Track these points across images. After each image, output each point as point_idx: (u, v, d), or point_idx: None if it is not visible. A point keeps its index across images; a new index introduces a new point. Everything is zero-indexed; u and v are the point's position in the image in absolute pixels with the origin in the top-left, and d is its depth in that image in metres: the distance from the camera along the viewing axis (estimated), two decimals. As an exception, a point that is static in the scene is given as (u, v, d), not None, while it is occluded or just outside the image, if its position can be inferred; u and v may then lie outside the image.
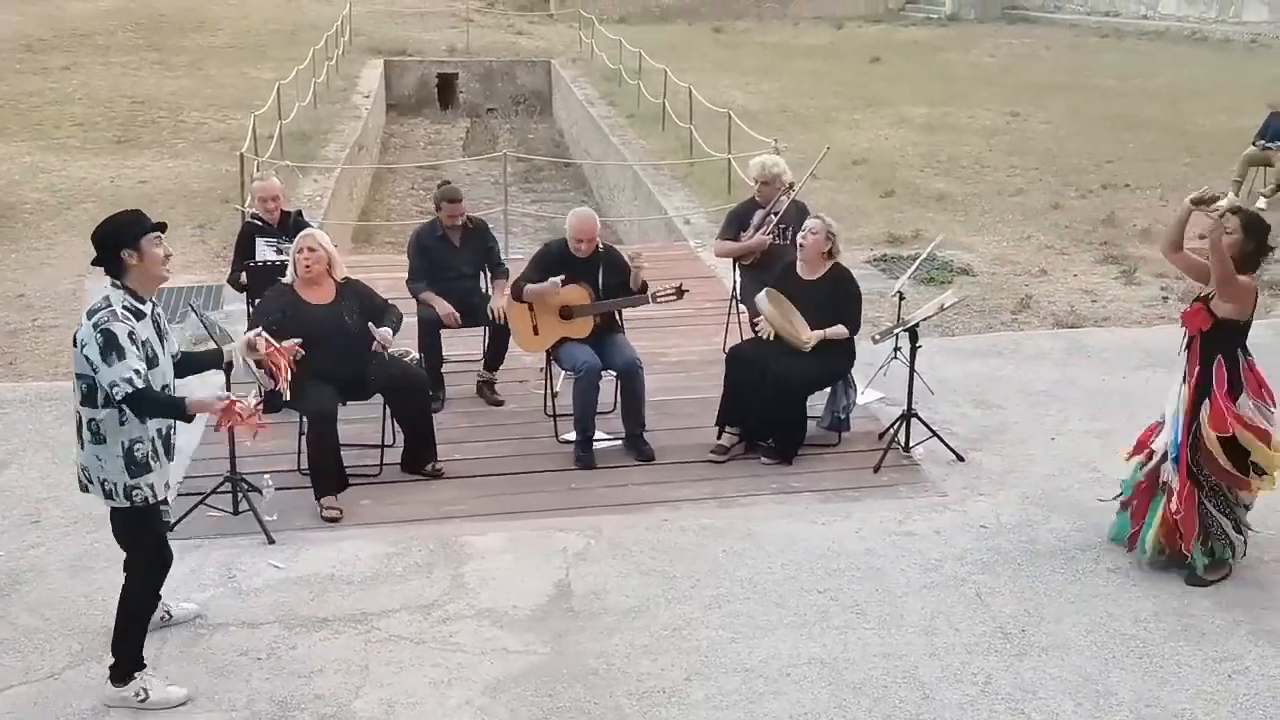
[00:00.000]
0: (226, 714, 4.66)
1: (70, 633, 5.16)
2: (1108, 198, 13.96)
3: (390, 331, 6.48)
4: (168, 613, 5.16)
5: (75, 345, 4.51)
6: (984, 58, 27.34)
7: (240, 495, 6.12)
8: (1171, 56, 26.77)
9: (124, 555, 4.79)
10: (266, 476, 6.28)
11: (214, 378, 5.93)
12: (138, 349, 4.44)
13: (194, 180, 14.51)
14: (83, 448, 4.61)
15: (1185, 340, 5.60)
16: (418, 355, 7.46)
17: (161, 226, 4.61)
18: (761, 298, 6.88)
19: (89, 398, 4.51)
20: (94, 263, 4.62)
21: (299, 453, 6.59)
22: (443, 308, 7.51)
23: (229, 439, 6.04)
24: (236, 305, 8.60)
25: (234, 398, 4.63)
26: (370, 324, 6.42)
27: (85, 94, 20.38)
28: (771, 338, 6.85)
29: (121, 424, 4.52)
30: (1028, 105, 20.20)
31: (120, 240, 4.52)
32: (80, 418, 4.58)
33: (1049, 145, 17.07)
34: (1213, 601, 5.46)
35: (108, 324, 4.40)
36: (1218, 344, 5.45)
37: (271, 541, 5.92)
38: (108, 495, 4.61)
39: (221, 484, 6.12)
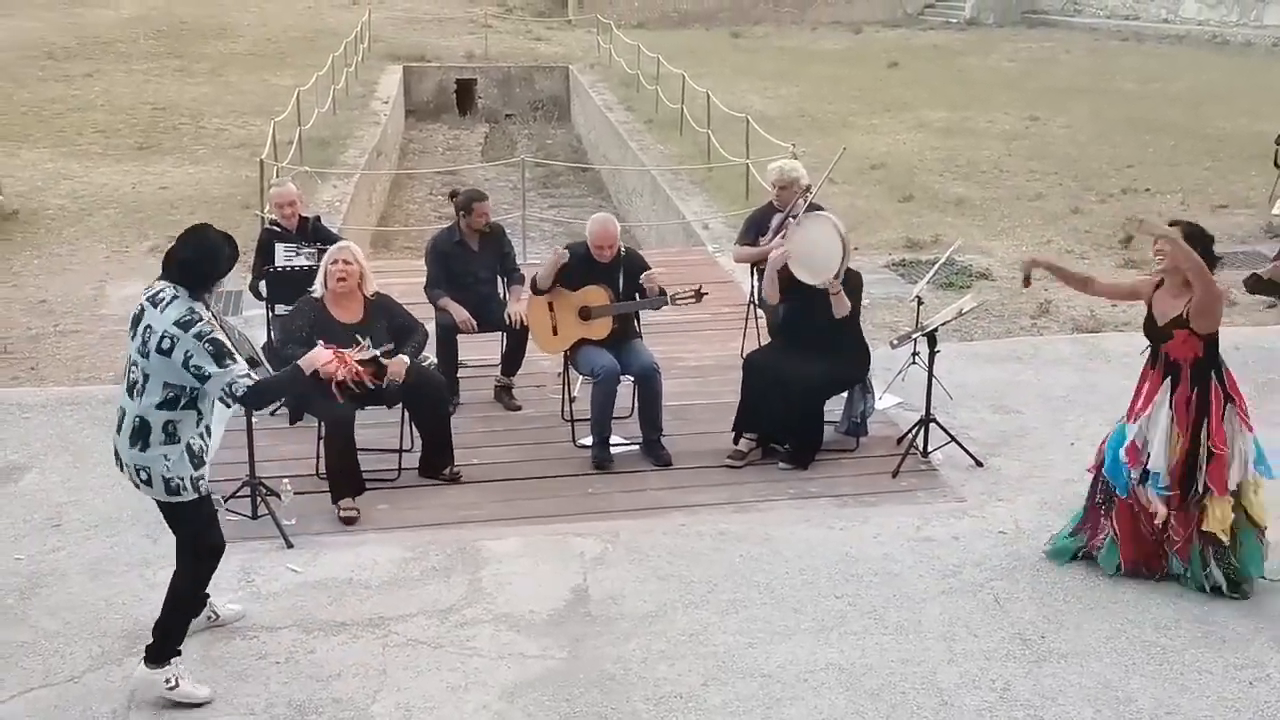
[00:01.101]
0: (245, 717, 4.68)
1: (90, 636, 5.19)
2: (1128, 202, 13.89)
3: (405, 360, 6.32)
4: (214, 613, 5.22)
5: (169, 356, 4.53)
6: (1003, 62, 27.27)
7: (259, 499, 6.14)
8: (1192, 60, 26.65)
9: (176, 545, 4.89)
10: (285, 481, 6.30)
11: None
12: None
13: (214, 186, 14.59)
14: (144, 449, 4.64)
15: (1161, 362, 5.48)
16: (435, 360, 7.49)
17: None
18: (828, 213, 6.84)
19: (170, 403, 4.60)
20: (177, 271, 4.65)
21: (317, 457, 6.61)
22: (459, 314, 7.52)
23: (248, 443, 6.06)
24: (255, 310, 8.63)
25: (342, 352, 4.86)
26: (381, 356, 6.36)
27: (107, 101, 20.52)
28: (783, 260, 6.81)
29: (196, 422, 4.70)
30: (1047, 109, 20.13)
31: (222, 271, 4.74)
32: (148, 422, 4.62)
33: (1068, 149, 17.01)
34: (1233, 608, 5.42)
35: (213, 333, 4.57)
36: (1209, 364, 5.39)
37: (290, 546, 5.94)
38: (174, 491, 4.69)
39: (240, 488, 6.15)
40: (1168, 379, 5.45)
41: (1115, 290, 5.91)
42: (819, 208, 8.04)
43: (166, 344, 4.56)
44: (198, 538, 4.84)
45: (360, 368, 4.98)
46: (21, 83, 21.74)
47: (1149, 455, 5.46)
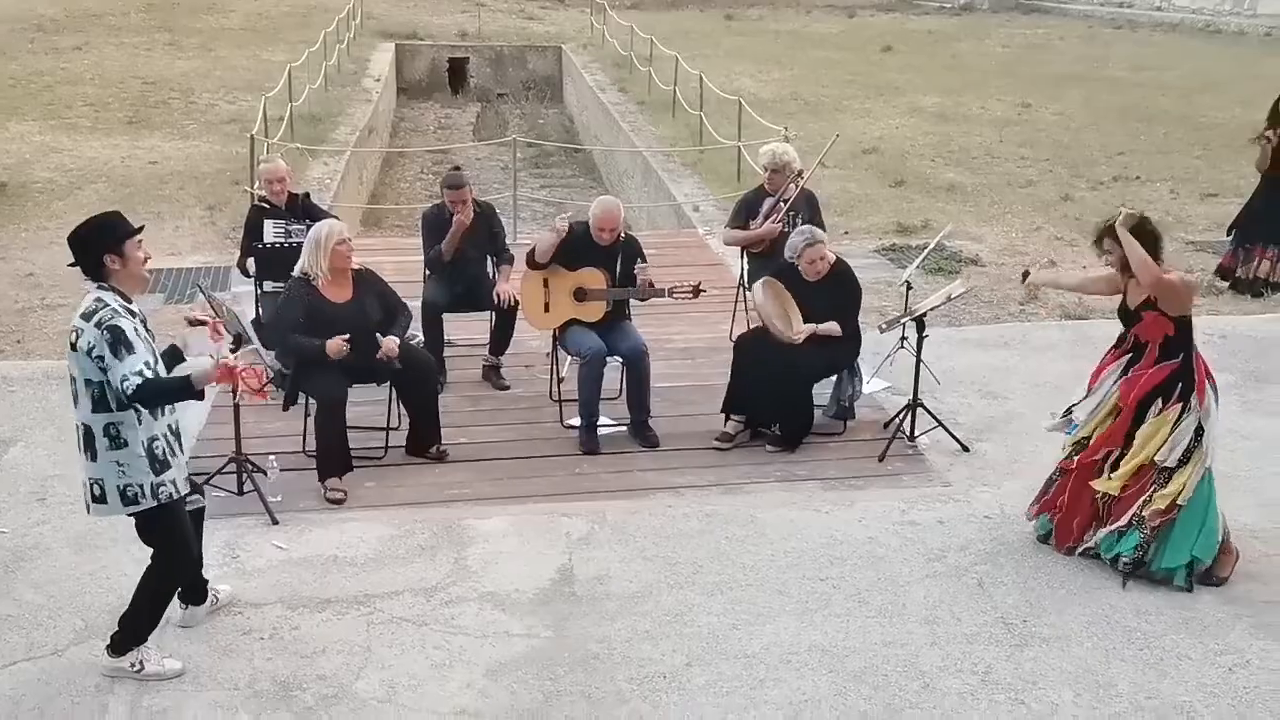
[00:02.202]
0: (229, 693, 4.69)
1: (74, 610, 5.19)
2: (1119, 190, 13.91)
3: (396, 341, 6.40)
4: (216, 597, 5.17)
5: (76, 350, 4.41)
6: (997, 48, 27.25)
7: (245, 476, 6.14)
8: (1185, 49, 26.66)
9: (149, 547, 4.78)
10: (271, 458, 6.30)
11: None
12: (144, 343, 4.43)
13: (204, 162, 14.53)
14: (95, 459, 4.51)
15: (1129, 344, 5.56)
16: (421, 338, 7.49)
17: (139, 229, 4.59)
18: (758, 286, 6.86)
19: (101, 403, 4.44)
20: (72, 265, 4.54)
21: (304, 434, 6.61)
22: (446, 244, 7.47)
23: (234, 419, 6.06)
24: (244, 287, 8.60)
25: (229, 361, 4.58)
26: (378, 334, 6.38)
27: (97, 74, 20.40)
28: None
29: (139, 422, 4.49)
30: (1040, 96, 20.13)
31: (104, 245, 4.47)
32: (90, 428, 4.48)
33: (1060, 136, 17.02)
34: (1214, 595, 5.45)
35: (113, 320, 4.37)
36: (1181, 343, 5.44)
37: (275, 522, 5.94)
38: (132, 500, 4.53)
39: (226, 464, 6.14)
40: (1128, 356, 5.55)
41: (1098, 285, 5.89)
42: (812, 193, 8.05)
43: (74, 337, 4.41)
44: (166, 547, 4.69)
45: (250, 378, 4.74)
46: (11, 55, 21.61)
47: (1078, 405, 5.67)
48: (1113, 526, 5.56)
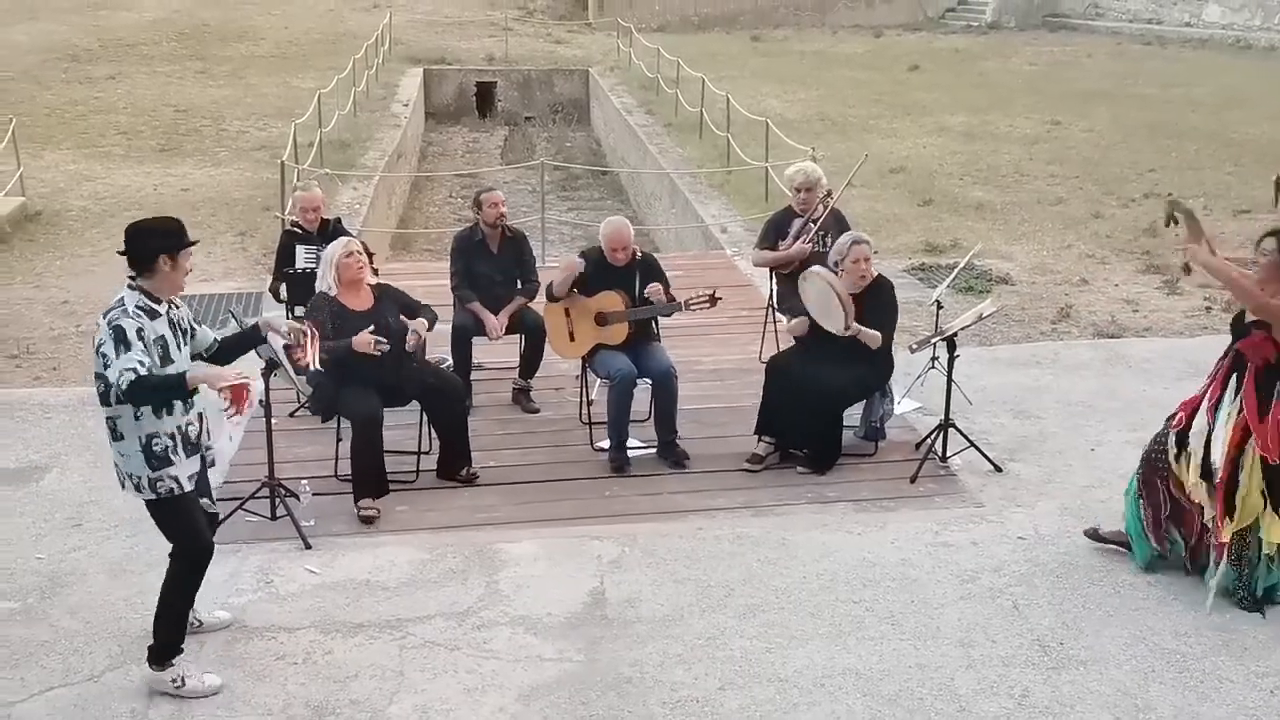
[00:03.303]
0: (262, 718, 4.70)
1: (110, 636, 5.22)
2: (1149, 207, 13.81)
3: (425, 322, 6.58)
4: (198, 620, 5.21)
5: (94, 346, 4.65)
6: (1024, 66, 27.15)
7: (278, 501, 6.16)
8: (1215, 64, 26.48)
9: (169, 546, 4.89)
10: (304, 482, 6.32)
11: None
12: (144, 345, 4.56)
13: (235, 188, 14.66)
14: (110, 446, 4.76)
15: (1229, 359, 5.31)
16: (450, 361, 7.52)
17: (194, 242, 4.86)
18: (821, 269, 6.80)
19: (105, 397, 4.64)
20: (122, 252, 4.74)
21: (336, 459, 6.64)
22: (489, 321, 7.56)
23: (268, 444, 6.09)
24: (275, 312, 8.65)
25: (248, 378, 4.69)
26: (403, 317, 6.49)
27: (129, 103, 20.63)
28: (802, 329, 6.77)
29: (137, 419, 4.65)
30: (1069, 114, 20.04)
31: (164, 245, 4.70)
32: (104, 421, 4.74)
33: (1090, 154, 16.93)
34: (1254, 617, 5.37)
35: (118, 320, 4.57)
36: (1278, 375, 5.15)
37: (308, 547, 5.96)
38: (137, 489, 4.75)
39: (259, 489, 6.17)
40: (1234, 374, 5.25)
41: (1241, 293, 5.40)
42: (840, 213, 8.04)
43: (96, 334, 4.63)
44: (172, 542, 4.84)
45: (239, 391, 4.91)
46: (45, 85, 21.88)
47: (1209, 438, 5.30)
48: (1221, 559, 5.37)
